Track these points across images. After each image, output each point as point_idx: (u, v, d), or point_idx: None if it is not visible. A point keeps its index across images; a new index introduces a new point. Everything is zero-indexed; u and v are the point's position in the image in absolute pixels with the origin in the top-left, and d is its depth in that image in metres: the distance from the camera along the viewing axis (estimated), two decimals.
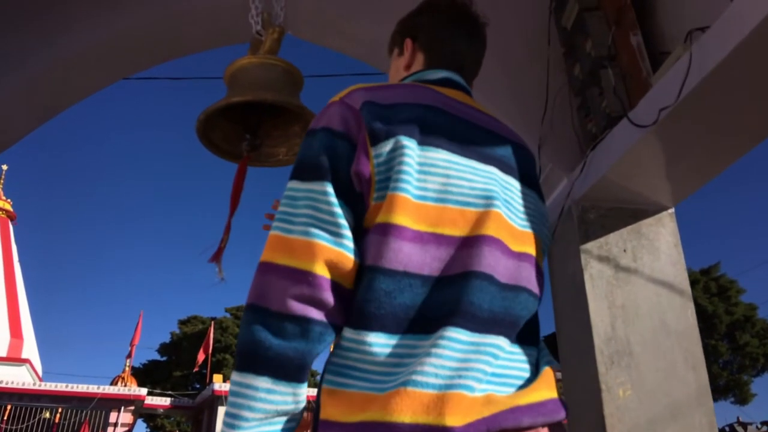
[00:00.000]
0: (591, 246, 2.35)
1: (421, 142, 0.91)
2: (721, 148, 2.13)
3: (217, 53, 2.93)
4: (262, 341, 0.82)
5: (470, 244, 0.89)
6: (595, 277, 2.30)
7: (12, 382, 16.13)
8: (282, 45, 1.87)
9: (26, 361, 17.70)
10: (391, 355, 0.83)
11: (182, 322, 31.63)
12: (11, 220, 20.02)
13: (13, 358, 17.46)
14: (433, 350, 0.82)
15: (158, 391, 20.98)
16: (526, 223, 1.01)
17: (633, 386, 2.15)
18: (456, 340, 0.83)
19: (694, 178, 2.32)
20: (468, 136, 0.99)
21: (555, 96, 2.60)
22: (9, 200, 20.23)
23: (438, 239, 0.88)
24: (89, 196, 75.41)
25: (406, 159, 0.88)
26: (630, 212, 2.45)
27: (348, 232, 0.88)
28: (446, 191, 0.90)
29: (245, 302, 0.86)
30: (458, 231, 0.89)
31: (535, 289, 0.98)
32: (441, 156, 0.92)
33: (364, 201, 0.90)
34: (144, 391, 17.40)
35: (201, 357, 20.04)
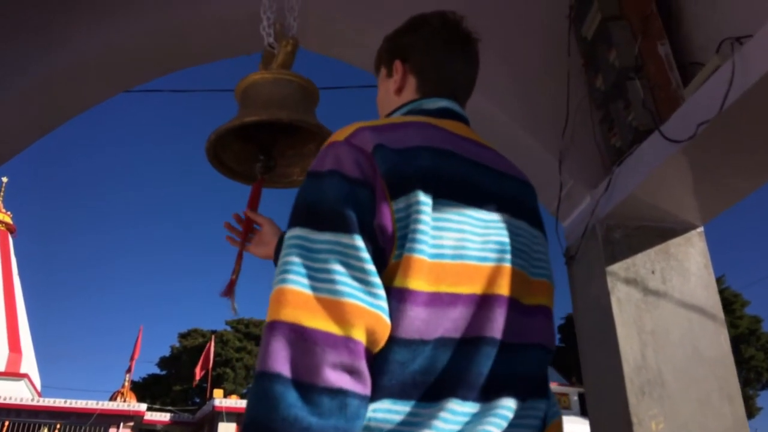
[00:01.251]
0: (617, 267, 2.22)
1: (436, 195, 0.85)
2: (757, 164, 2.01)
3: (223, 64, 2.82)
4: (297, 419, 0.69)
5: (482, 304, 0.84)
6: (623, 300, 2.17)
7: (10, 398, 15.95)
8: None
9: (25, 375, 17.50)
10: (390, 422, 0.77)
11: (182, 336, 31.41)
12: (11, 233, 19.91)
13: (12, 373, 17.26)
14: (434, 422, 0.77)
15: (158, 406, 20.75)
16: (538, 270, 0.95)
17: (666, 419, 2.01)
18: (459, 413, 0.80)
19: (726, 195, 2.20)
20: (478, 180, 0.92)
21: (575, 109, 2.49)
22: (9, 213, 20.13)
23: (454, 299, 0.82)
24: (89, 209, 75.36)
25: (423, 217, 0.81)
26: (657, 231, 2.33)
27: (383, 292, 0.78)
28: (462, 247, 0.85)
29: (257, 368, 0.74)
30: (473, 288, 0.84)
31: (548, 342, 0.93)
32: (455, 209, 0.86)
33: (385, 258, 0.81)
34: (143, 406, 17.18)
35: (198, 374, 19.81)
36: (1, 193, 20.24)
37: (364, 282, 0.77)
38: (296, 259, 0.78)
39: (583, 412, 22.69)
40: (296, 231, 0.81)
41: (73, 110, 2.82)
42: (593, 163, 2.42)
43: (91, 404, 16.52)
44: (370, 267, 0.78)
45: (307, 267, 0.77)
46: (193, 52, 2.74)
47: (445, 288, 0.81)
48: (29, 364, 18.23)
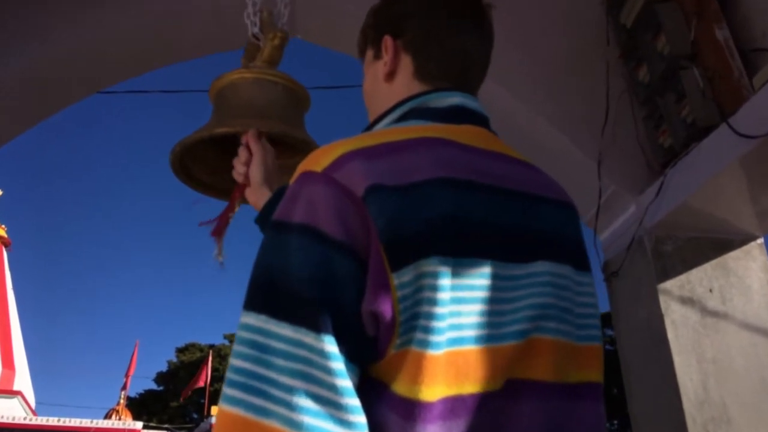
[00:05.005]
0: (670, 285, 1.93)
1: (455, 253, 0.61)
2: None
3: (216, 59, 2.55)
4: None
5: (511, 394, 0.63)
6: (679, 324, 1.87)
7: (3, 416, 15.64)
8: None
9: (18, 393, 17.22)
10: None
11: (179, 350, 31.10)
12: (5, 247, 19.61)
13: (5, 391, 16.97)
14: None
15: (153, 424, 20.36)
16: (585, 332, 0.73)
17: None
18: None
19: None
20: (508, 220, 0.68)
21: (614, 105, 2.21)
22: (3, 226, 19.84)
23: (482, 402, 0.60)
24: (85, 222, 75.06)
25: (439, 295, 0.59)
26: (712, 243, 2.03)
27: (360, 418, 0.56)
28: (487, 324, 0.62)
29: None
30: (500, 379, 0.62)
31: None
32: (479, 270, 0.63)
33: (377, 348, 0.59)
34: (139, 424, 16.85)
35: (187, 392, 19.56)
36: None
37: (334, 406, 0.55)
38: (246, 365, 0.57)
39: None
40: (250, 318, 0.59)
41: (55, 106, 2.55)
42: (637, 165, 2.13)
43: (85, 422, 16.20)
44: (343, 383, 0.56)
45: (258, 377, 0.56)
46: (184, 46, 2.47)
47: (469, 388, 0.60)
48: (23, 381, 17.94)
